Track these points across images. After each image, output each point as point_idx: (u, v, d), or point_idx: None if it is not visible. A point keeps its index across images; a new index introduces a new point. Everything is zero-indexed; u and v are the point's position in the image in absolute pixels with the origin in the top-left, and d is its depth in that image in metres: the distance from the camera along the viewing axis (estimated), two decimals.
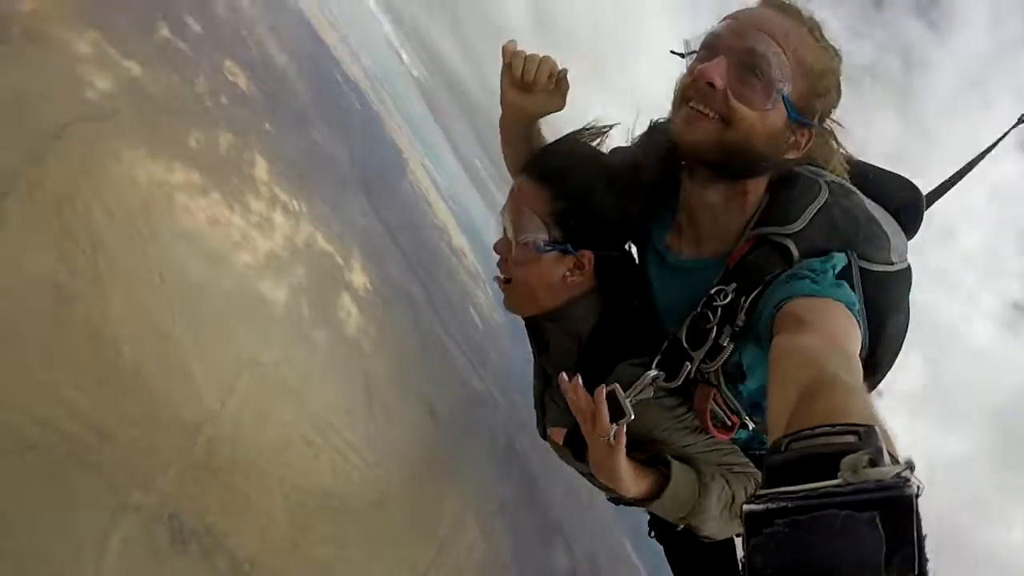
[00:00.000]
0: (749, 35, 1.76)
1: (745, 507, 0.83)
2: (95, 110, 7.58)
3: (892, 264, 1.88)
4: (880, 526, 0.74)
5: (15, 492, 3.74)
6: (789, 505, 0.79)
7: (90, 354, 4.59)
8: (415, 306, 14.92)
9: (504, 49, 2.10)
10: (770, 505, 0.81)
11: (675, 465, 1.97)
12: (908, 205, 2.06)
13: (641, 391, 1.88)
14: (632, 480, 1.92)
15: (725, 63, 1.75)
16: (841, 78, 1.89)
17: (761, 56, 1.73)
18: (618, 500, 2.25)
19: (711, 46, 1.81)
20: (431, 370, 12.90)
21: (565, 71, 2.10)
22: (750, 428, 2.07)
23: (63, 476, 3.90)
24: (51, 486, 3.85)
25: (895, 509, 0.75)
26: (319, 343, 9.24)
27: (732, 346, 1.85)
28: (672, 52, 1.90)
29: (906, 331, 1.98)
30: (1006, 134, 2.36)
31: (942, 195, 2.38)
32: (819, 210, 1.84)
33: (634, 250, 2.24)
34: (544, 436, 2.33)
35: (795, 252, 1.81)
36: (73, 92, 7.24)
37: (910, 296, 1.97)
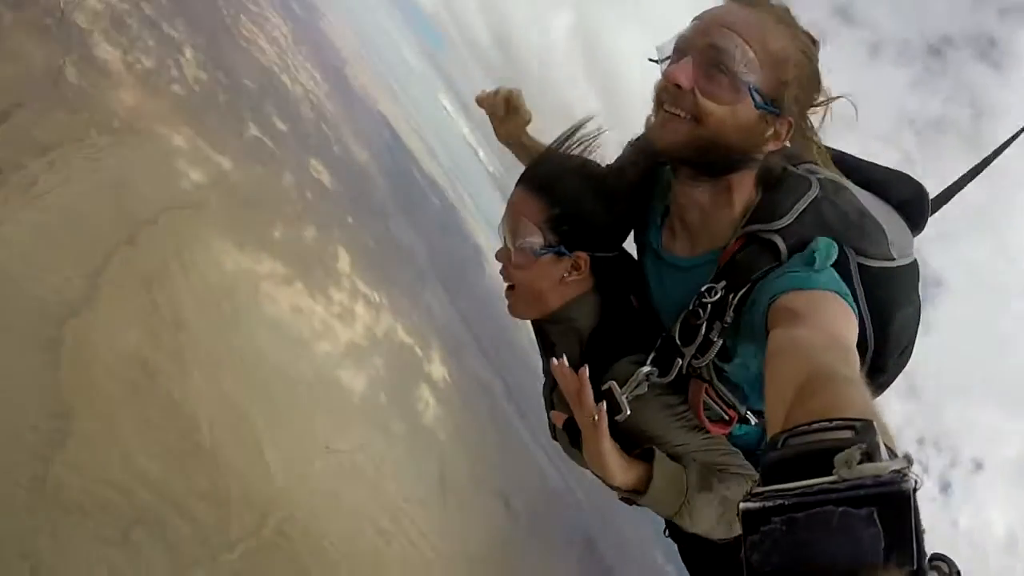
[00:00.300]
0: (712, 32, 1.78)
1: (741, 505, 0.83)
2: (187, 200, 7.93)
3: (892, 259, 1.87)
4: (878, 522, 0.74)
5: (81, 550, 3.74)
6: (785, 503, 0.79)
7: (168, 427, 4.66)
8: (493, 399, 14.78)
9: (476, 99, 2.56)
10: (766, 503, 0.80)
11: (658, 461, 2.01)
12: (912, 199, 2.05)
13: (636, 387, 1.95)
14: (619, 469, 1.98)
15: (691, 63, 1.78)
16: (818, 64, 1.88)
17: (723, 51, 1.76)
18: (631, 501, 2.26)
19: (680, 48, 1.84)
20: (508, 463, 12.69)
21: (510, 91, 2.50)
22: (752, 423, 2.09)
23: (129, 540, 3.90)
24: (117, 548, 3.84)
25: (892, 505, 0.75)
26: (395, 432, 9.20)
27: (721, 341, 1.86)
28: (650, 60, 1.95)
29: (915, 328, 1.98)
30: (1014, 138, 2.34)
31: (951, 198, 2.35)
32: (808, 206, 1.84)
33: (633, 251, 2.29)
34: (555, 436, 2.38)
35: (782, 247, 1.81)
36: (168, 182, 7.61)
37: (918, 292, 1.97)
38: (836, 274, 1.71)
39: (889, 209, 1.99)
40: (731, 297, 1.82)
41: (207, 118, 10.56)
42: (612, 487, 2.12)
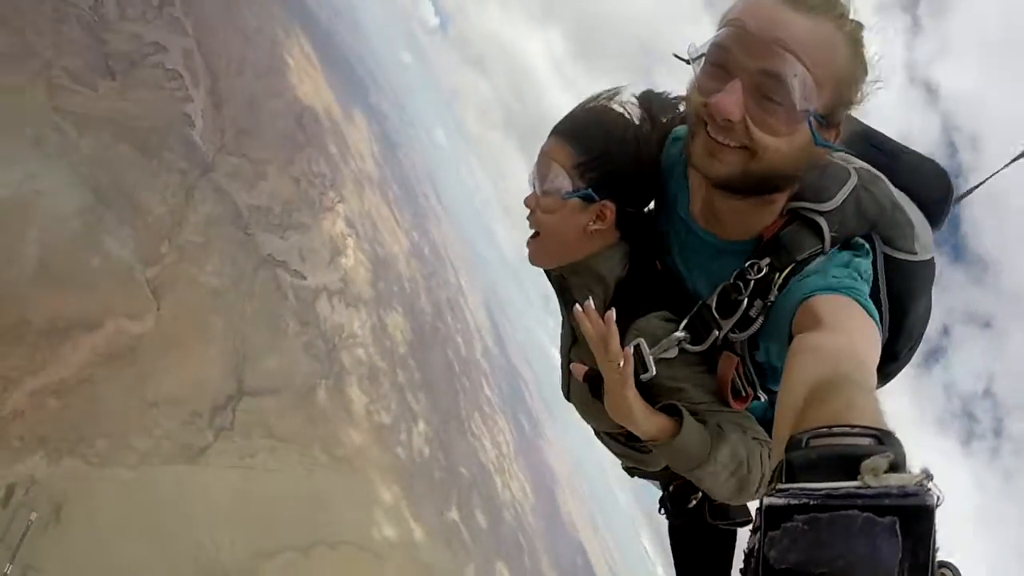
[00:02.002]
0: (764, 53, 1.55)
1: (765, 499, 0.81)
2: (372, 546, 7.88)
3: (915, 254, 1.86)
4: (899, 533, 0.73)
5: None
6: (810, 502, 0.77)
7: None
8: None
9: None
10: (791, 500, 0.79)
11: (688, 415, 1.96)
12: (939, 198, 1.99)
13: (666, 350, 1.93)
14: (643, 416, 1.93)
15: (740, 91, 1.59)
16: (865, 50, 1.64)
17: (780, 79, 1.55)
18: (633, 470, 2.47)
19: (722, 63, 1.63)
20: None
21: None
22: (763, 400, 2.08)
23: None
24: None
25: (915, 517, 0.74)
26: None
27: (761, 319, 1.82)
28: (676, 56, 1.76)
29: (926, 323, 1.96)
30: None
31: (970, 194, 2.31)
32: (849, 194, 1.80)
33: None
34: (568, 397, 2.39)
35: (826, 232, 1.77)
36: (361, 522, 7.68)
37: (932, 289, 1.93)
38: (867, 288, 1.67)
39: (911, 202, 1.93)
40: (777, 276, 1.78)
41: (417, 487, 11.03)
42: (621, 450, 2.31)
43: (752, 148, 1.64)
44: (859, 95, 1.67)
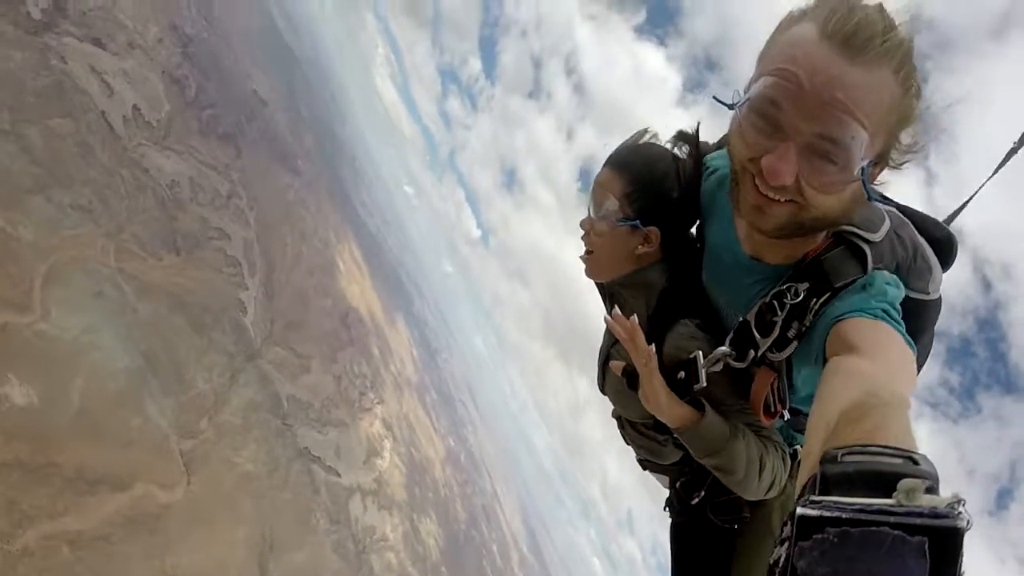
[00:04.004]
0: (821, 116, 1.49)
1: (798, 510, 0.82)
2: None
3: (928, 294, 1.94)
4: (927, 554, 0.73)
5: None
6: (843, 515, 0.78)
7: None
8: None
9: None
10: (824, 512, 0.80)
11: (709, 406, 2.17)
12: (943, 239, 2.03)
13: (714, 364, 2.10)
14: (670, 404, 2.17)
15: (794, 154, 1.55)
16: (918, 87, 1.56)
17: (838, 143, 1.51)
18: (646, 463, 2.75)
19: (773, 120, 1.57)
20: None
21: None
22: (786, 418, 2.14)
23: None
24: None
25: (945, 539, 0.74)
26: None
27: (797, 342, 1.85)
28: (716, 100, 1.71)
29: (927, 355, 2.06)
30: (1009, 157, 2.35)
31: (959, 213, 2.43)
32: (886, 234, 1.85)
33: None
34: (603, 389, 2.67)
35: (871, 259, 1.79)
36: None
37: (935, 326, 2.02)
38: (899, 313, 1.67)
39: (928, 247, 1.98)
40: (813, 302, 1.81)
41: None
42: (641, 440, 2.63)
43: (802, 203, 1.65)
44: (912, 132, 1.63)
